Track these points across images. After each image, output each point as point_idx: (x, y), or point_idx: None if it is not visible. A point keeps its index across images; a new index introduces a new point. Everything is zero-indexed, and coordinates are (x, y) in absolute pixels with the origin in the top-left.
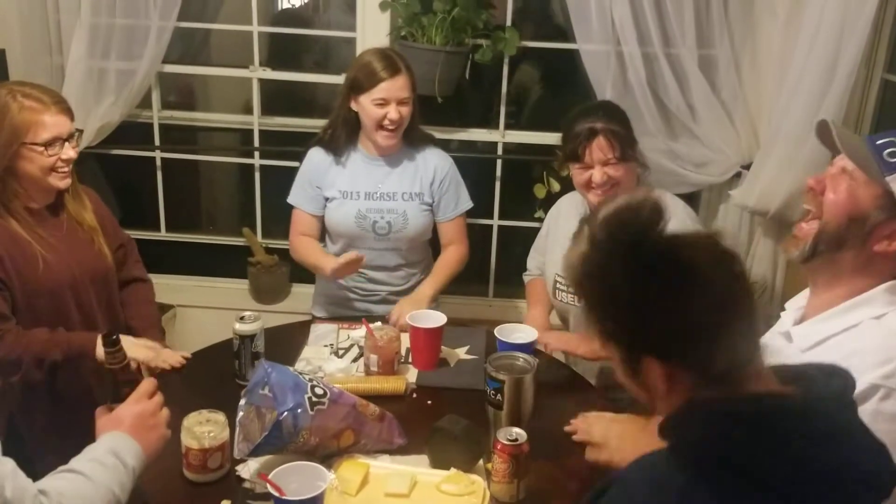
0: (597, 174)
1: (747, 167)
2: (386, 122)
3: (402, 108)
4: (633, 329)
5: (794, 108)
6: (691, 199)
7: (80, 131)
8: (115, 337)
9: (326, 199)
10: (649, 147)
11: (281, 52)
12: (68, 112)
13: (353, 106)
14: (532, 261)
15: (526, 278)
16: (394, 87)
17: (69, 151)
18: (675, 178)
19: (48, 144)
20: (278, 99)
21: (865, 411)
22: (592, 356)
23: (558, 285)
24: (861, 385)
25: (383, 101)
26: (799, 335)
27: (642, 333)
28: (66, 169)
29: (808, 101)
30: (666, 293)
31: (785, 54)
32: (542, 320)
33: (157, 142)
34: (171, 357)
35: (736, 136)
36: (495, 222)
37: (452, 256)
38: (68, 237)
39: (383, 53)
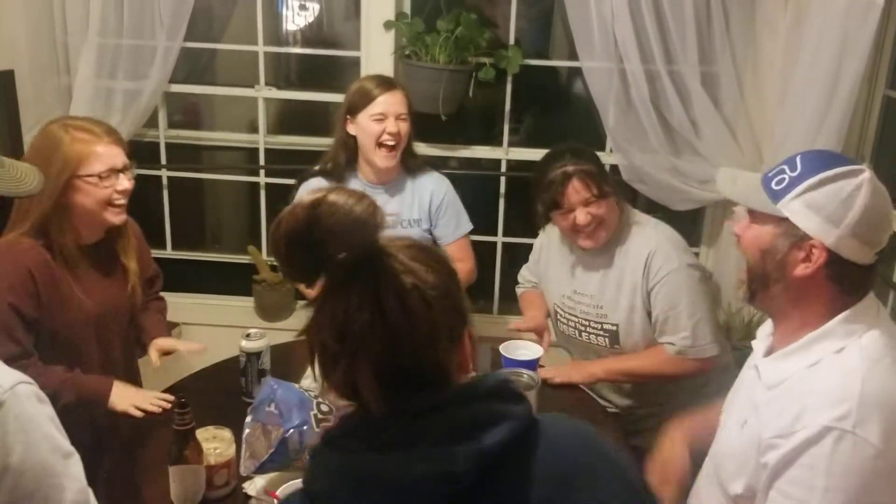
0: (580, 216)
1: None
2: (385, 136)
3: (401, 124)
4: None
5: (797, 124)
6: (696, 215)
7: (135, 163)
8: (184, 400)
9: None
10: (653, 164)
11: (286, 71)
12: (121, 143)
13: (351, 129)
14: (526, 272)
15: (519, 290)
16: (391, 100)
17: (124, 182)
18: (679, 194)
19: (103, 176)
20: (283, 117)
21: (820, 454)
22: (590, 380)
23: (559, 316)
24: (814, 427)
25: (382, 116)
26: (766, 370)
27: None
28: (122, 201)
29: (810, 117)
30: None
31: (786, 71)
32: (540, 318)
33: (163, 160)
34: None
35: (739, 152)
36: (499, 239)
37: (459, 268)
38: (106, 277)
39: (377, 75)
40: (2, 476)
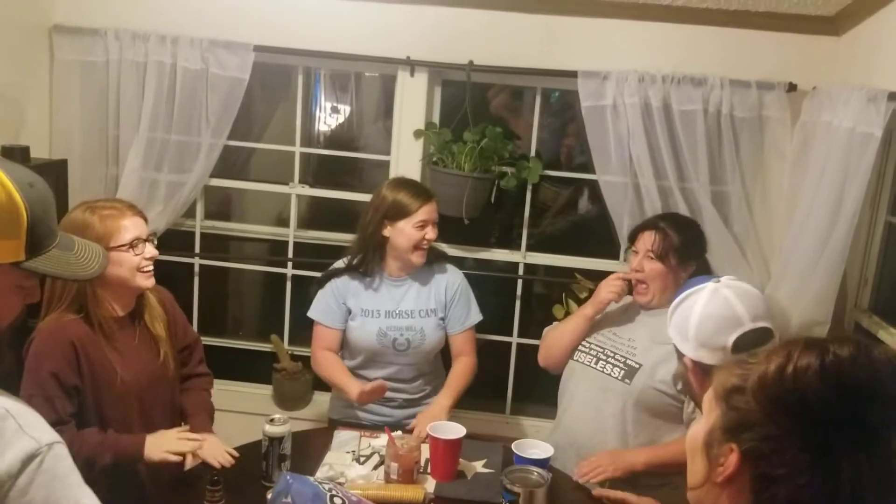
0: (635, 261)
1: None
2: (424, 242)
3: (436, 229)
4: (764, 431)
5: (803, 245)
6: None
7: (156, 234)
8: (217, 478)
9: (349, 314)
10: None
11: (316, 168)
12: (142, 215)
13: (387, 231)
14: None
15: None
16: (430, 209)
17: (151, 250)
18: None
19: (132, 245)
20: (309, 212)
21: None
22: (627, 473)
23: (581, 346)
24: None
25: (423, 224)
26: None
27: (766, 439)
28: (150, 268)
29: (815, 238)
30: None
31: (793, 194)
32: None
33: (197, 249)
34: (219, 454)
35: (748, 268)
36: (514, 340)
37: (464, 368)
38: (140, 346)
39: (413, 183)
40: None
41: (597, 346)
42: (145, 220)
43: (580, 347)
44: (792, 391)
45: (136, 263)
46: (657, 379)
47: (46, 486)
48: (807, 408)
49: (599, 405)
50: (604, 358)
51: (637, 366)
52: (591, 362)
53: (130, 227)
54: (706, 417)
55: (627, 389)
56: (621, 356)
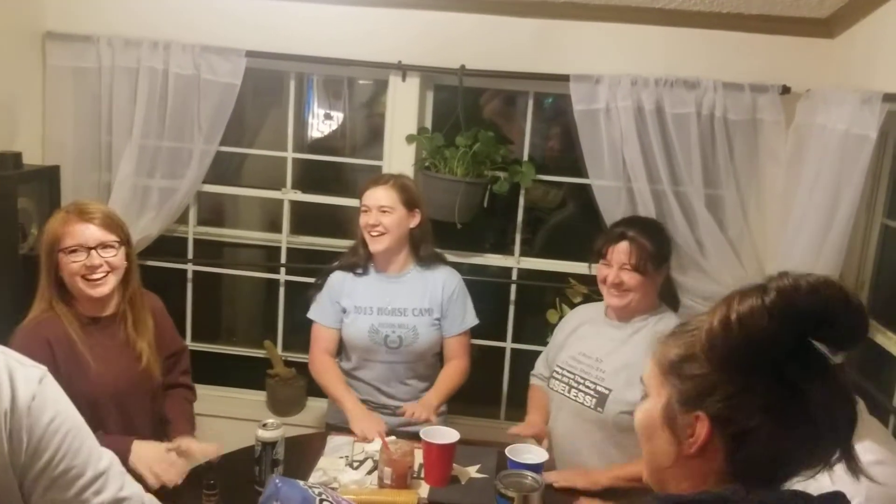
0: (611, 274)
1: None
2: (370, 228)
3: (382, 216)
4: (726, 390)
5: (798, 248)
6: None
7: (119, 243)
8: (213, 482)
9: (344, 312)
10: None
11: (307, 174)
12: (103, 223)
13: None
14: (541, 363)
15: (532, 380)
16: (375, 195)
17: (96, 258)
18: (683, 310)
19: (71, 250)
20: (301, 218)
21: None
22: (594, 487)
23: (555, 374)
24: None
25: (366, 208)
26: None
27: (730, 398)
28: (93, 276)
29: (810, 242)
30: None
31: (788, 197)
32: (540, 423)
33: (190, 255)
34: (199, 451)
35: (743, 271)
36: (508, 345)
37: (455, 370)
38: (120, 349)
39: (382, 174)
40: (50, 436)
41: (567, 371)
42: (106, 227)
43: (554, 374)
44: (742, 338)
45: (74, 270)
46: (628, 402)
47: (59, 399)
48: (761, 350)
49: (579, 435)
50: (575, 385)
51: (607, 391)
52: (564, 391)
53: (74, 234)
54: (655, 396)
55: (601, 418)
56: (591, 381)
